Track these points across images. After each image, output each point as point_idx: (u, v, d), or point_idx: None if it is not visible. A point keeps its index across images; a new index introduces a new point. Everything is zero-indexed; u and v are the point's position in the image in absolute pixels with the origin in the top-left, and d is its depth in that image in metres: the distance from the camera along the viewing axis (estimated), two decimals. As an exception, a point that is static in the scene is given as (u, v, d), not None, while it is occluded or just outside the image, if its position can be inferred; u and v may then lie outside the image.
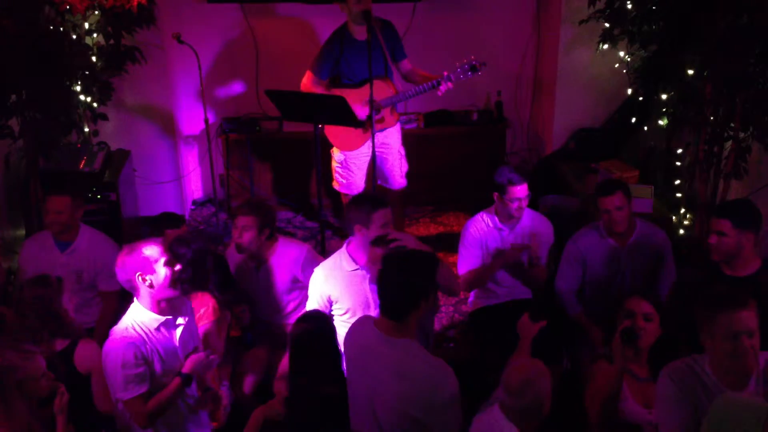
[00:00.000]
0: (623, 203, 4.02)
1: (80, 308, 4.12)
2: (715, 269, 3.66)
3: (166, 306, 3.19)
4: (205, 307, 3.65)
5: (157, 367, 3.17)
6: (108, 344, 3.15)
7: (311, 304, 3.83)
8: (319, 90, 5.12)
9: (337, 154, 5.37)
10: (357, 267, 3.72)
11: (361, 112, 4.90)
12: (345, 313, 3.77)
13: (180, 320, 3.25)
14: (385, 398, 2.87)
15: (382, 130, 5.11)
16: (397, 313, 2.87)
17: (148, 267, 3.11)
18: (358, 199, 3.90)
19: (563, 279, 4.26)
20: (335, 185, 5.49)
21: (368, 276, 3.65)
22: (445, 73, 4.88)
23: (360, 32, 4.95)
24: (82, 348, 3.36)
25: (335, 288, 3.75)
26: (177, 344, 3.26)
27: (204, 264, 3.65)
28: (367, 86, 4.82)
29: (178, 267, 3.13)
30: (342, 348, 3.20)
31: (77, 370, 3.34)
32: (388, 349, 2.85)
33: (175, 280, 3.14)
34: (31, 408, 2.82)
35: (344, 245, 3.85)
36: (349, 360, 3.08)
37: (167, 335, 3.22)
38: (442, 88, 4.91)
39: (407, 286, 2.87)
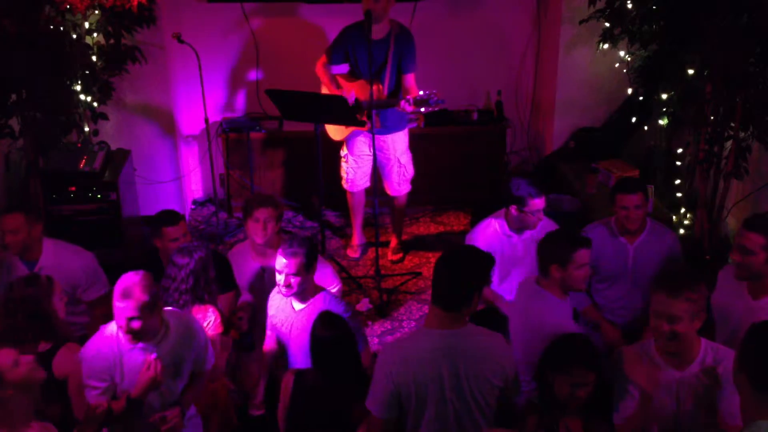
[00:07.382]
0: (642, 202, 4.02)
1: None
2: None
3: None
4: (208, 320, 3.59)
5: (119, 384, 3.09)
6: (87, 343, 3.13)
7: None
8: (326, 73, 5.20)
9: (343, 148, 5.42)
10: None
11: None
12: None
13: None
14: (469, 385, 2.93)
15: (361, 132, 5.09)
16: (457, 303, 2.94)
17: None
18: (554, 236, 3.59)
19: None
20: (342, 183, 5.52)
21: None
22: (408, 97, 4.89)
23: (374, 30, 4.90)
24: (63, 352, 3.22)
25: None
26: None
27: (206, 273, 3.59)
28: (360, 82, 4.92)
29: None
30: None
31: (54, 374, 3.18)
32: (458, 341, 2.94)
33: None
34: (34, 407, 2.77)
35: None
36: (414, 371, 2.96)
37: (140, 356, 3.09)
38: (404, 106, 4.92)
39: (466, 278, 2.96)
